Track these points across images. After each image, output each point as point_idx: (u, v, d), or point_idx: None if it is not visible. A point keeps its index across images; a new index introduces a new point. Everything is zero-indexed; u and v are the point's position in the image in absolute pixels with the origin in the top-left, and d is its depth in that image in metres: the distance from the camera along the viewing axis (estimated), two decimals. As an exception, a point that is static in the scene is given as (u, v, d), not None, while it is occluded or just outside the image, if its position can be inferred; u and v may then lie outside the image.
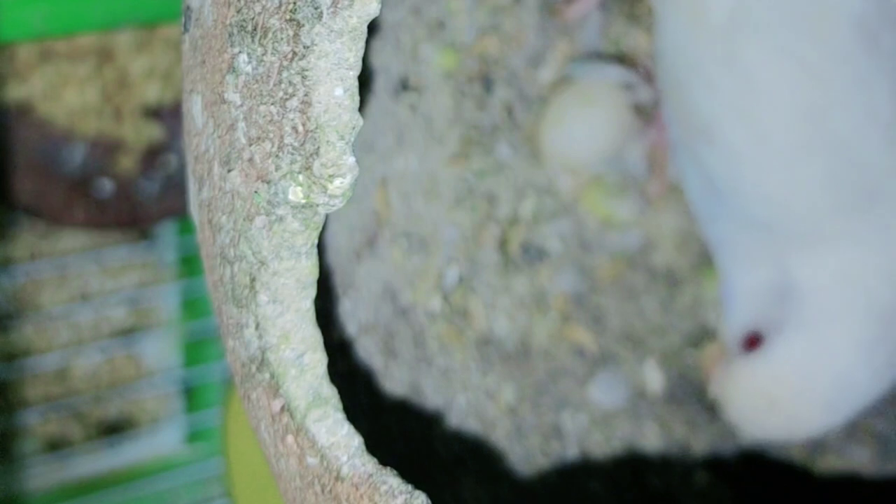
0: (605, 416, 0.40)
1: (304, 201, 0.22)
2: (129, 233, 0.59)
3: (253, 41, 0.22)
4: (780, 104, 0.34)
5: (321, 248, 0.28)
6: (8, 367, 0.56)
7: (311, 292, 0.23)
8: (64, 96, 0.54)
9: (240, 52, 0.22)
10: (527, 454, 0.39)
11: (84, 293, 0.59)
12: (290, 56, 0.21)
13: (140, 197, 0.57)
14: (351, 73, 0.21)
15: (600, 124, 0.41)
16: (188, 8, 0.26)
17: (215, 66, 0.23)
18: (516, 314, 0.40)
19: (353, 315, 0.35)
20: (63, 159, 0.55)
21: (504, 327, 0.40)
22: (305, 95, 0.21)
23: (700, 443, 0.41)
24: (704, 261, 0.42)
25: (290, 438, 0.23)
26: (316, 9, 0.21)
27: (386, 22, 0.38)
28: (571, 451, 0.40)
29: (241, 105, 0.22)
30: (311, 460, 0.23)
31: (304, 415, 0.22)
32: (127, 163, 0.56)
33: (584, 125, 0.41)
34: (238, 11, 0.22)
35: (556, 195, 0.42)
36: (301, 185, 0.22)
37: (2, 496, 0.54)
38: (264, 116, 0.22)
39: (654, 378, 0.41)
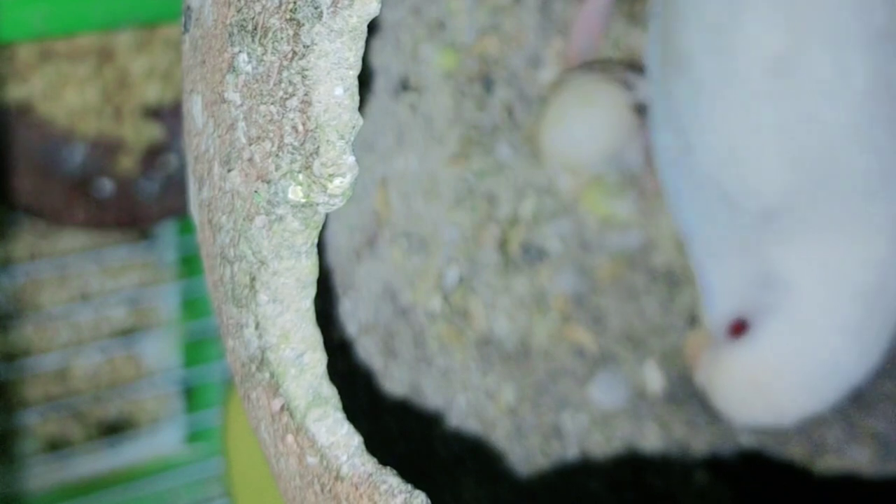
0: (605, 416, 0.40)
1: (303, 201, 0.22)
2: (129, 233, 0.59)
3: (253, 41, 0.22)
4: (753, 44, 0.34)
5: (321, 247, 0.28)
6: (8, 366, 0.56)
7: (311, 292, 0.23)
8: (64, 96, 0.54)
9: (240, 51, 0.22)
10: (527, 454, 0.39)
11: (84, 293, 0.59)
12: (290, 55, 0.21)
13: (140, 197, 0.57)
14: (351, 72, 0.21)
15: (600, 124, 0.41)
16: (188, 8, 0.26)
17: (215, 66, 0.23)
18: (516, 314, 0.40)
19: (353, 315, 0.35)
20: (63, 159, 0.55)
21: (504, 327, 0.40)
22: (305, 95, 0.21)
23: (700, 443, 0.41)
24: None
25: (289, 438, 0.23)
26: (316, 8, 0.21)
27: (386, 22, 0.38)
28: (571, 452, 0.40)
29: (241, 105, 0.22)
30: (311, 460, 0.23)
31: (303, 414, 0.22)
32: (127, 163, 0.56)
33: (585, 125, 0.41)
34: (238, 11, 0.22)
35: (556, 195, 0.42)
36: (301, 184, 0.22)
37: (2, 496, 0.54)
38: (264, 116, 0.22)
39: (654, 378, 0.41)
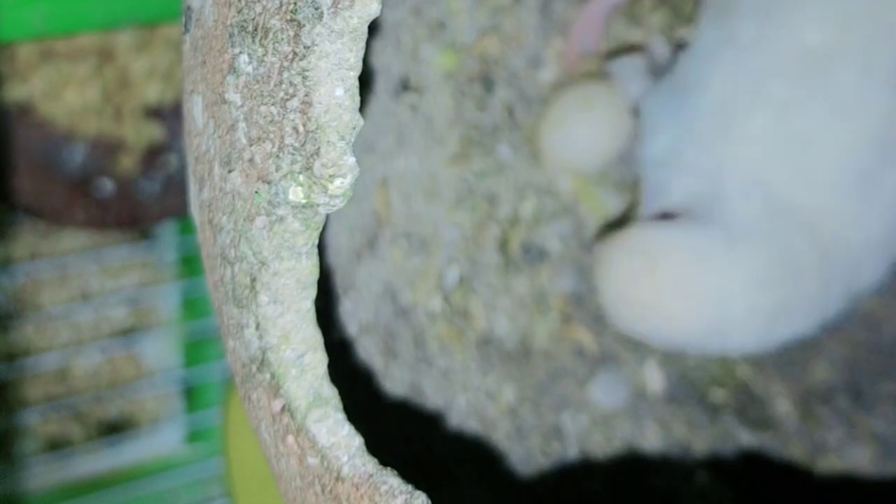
0: (605, 416, 0.40)
1: (304, 201, 0.22)
2: (129, 233, 0.59)
3: (254, 42, 0.22)
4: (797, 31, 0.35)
5: (321, 248, 0.28)
6: (8, 366, 0.56)
7: (312, 292, 0.23)
8: (64, 96, 0.54)
9: (240, 52, 0.22)
10: (527, 454, 0.39)
11: (84, 293, 0.59)
12: (290, 56, 0.21)
13: (140, 197, 0.57)
14: (351, 73, 0.21)
15: (600, 127, 0.41)
16: (189, 8, 0.26)
17: (216, 67, 0.23)
18: (517, 314, 0.40)
19: (353, 315, 0.35)
20: (63, 159, 0.55)
21: (504, 327, 0.40)
22: (306, 96, 0.21)
23: (700, 443, 0.41)
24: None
25: (290, 439, 0.23)
26: (316, 9, 0.21)
27: (386, 22, 0.38)
28: (572, 452, 0.40)
29: (242, 105, 0.22)
30: (312, 460, 0.23)
31: (304, 415, 0.22)
32: (127, 163, 0.56)
33: (585, 128, 0.41)
34: (239, 12, 0.22)
35: (556, 195, 0.42)
36: (301, 185, 0.22)
37: (2, 496, 0.54)
38: (265, 117, 0.22)
39: (654, 378, 0.41)
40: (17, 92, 0.53)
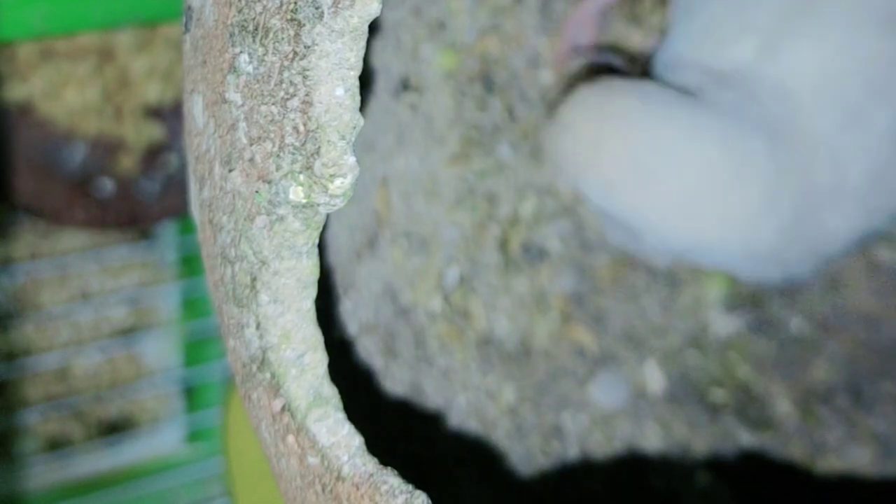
0: (605, 416, 0.40)
1: (304, 201, 0.22)
2: (129, 232, 0.59)
3: (254, 41, 0.22)
4: None
5: (322, 247, 0.28)
6: (8, 366, 0.56)
7: (312, 292, 0.23)
8: (64, 96, 0.54)
9: (241, 51, 0.22)
10: (527, 454, 0.39)
11: (84, 293, 0.59)
12: (291, 56, 0.21)
13: (140, 196, 0.57)
14: (352, 72, 0.21)
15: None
16: (189, 8, 0.26)
17: (216, 66, 0.23)
18: (517, 314, 0.40)
19: (353, 315, 0.35)
20: (63, 159, 0.55)
21: (504, 327, 0.40)
22: (306, 95, 0.21)
23: (701, 443, 0.41)
24: (705, 261, 0.42)
25: (290, 438, 0.23)
26: (317, 9, 0.21)
27: (387, 22, 0.38)
28: (572, 452, 0.40)
29: (242, 105, 0.22)
30: (312, 460, 0.23)
31: (304, 414, 0.22)
32: (127, 162, 0.56)
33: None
34: (239, 11, 0.22)
35: (556, 195, 0.42)
36: (302, 184, 0.22)
37: (2, 495, 0.54)
38: (265, 116, 0.22)
39: (654, 378, 0.41)
40: (18, 91, 0.53)
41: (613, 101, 0.36)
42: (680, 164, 0.35)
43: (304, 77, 0.21)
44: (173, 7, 0.51)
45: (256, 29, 0.22)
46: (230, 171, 0.23)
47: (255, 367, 0.23)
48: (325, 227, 0.25)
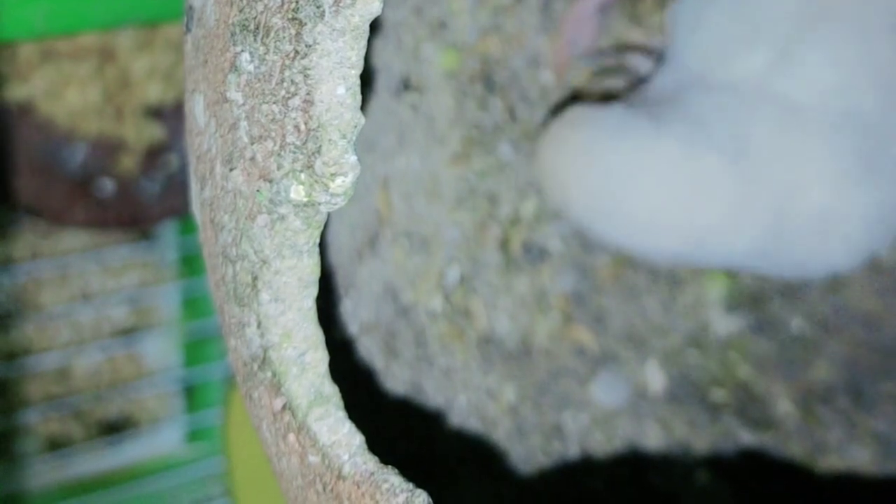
0: (606, 415, 0.40)
1: (305, 200, 0.22)
2: (129, 232, 0.60)
3: (255, 40, 0.22)
4: None
5: (323, 247, 0.28)
6: (9, 366, 0.56)
7: (313, 291, 0.23)
8: (65, 96, 0.54)
9: (242, 51, 0.22)
10: (528, 454, 0.39)
11: (85, 293, 0.59)
12: (292, 55, 0.21)
13: (141, 197, 0.57)
14: (353, 71, 0.21)
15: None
16: (190, 7, 0.26)
17: (217, 66, 0.23)
18: (517, 314, 0.40)
19: (354, 314, 0.35)
20: (64, 159, 0.55)
21: (505, 327, 0.40)
22: (307, 94, 0.21)
23: (701, 442, 0.41)
24: (705, 261, 0.42)
25: (291, 437, 0.23)
26: (318, 8, 0.21)
27: (388, 21, 0.38)
28: (573, 451, 0.40)
29: (244, 104, 0.22)
30: (313, 459, 0.23)
31: (305, 413, 0.22)
32: (128, 162, 0.56)
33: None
34: (240, 11, 0.22)
35: (557, 195, 0.42)
36: (303, 183, 0.22)
37: (2, 495, 0.54)
38: (266, 115, 0.22)
39: (655, 378, 0.41)
40: (18, 92, 0.53)
41: (576, 136, 0.37)
42: (641, 187, 0.36)
43: (306, 76, 0.21)
44: (174, 7, 0.51)
45: (258, 28, 0.22)
46: (231, 170, 0.23)
47: (256, 366, 0.23)
48: (326, 227, 0.25)
